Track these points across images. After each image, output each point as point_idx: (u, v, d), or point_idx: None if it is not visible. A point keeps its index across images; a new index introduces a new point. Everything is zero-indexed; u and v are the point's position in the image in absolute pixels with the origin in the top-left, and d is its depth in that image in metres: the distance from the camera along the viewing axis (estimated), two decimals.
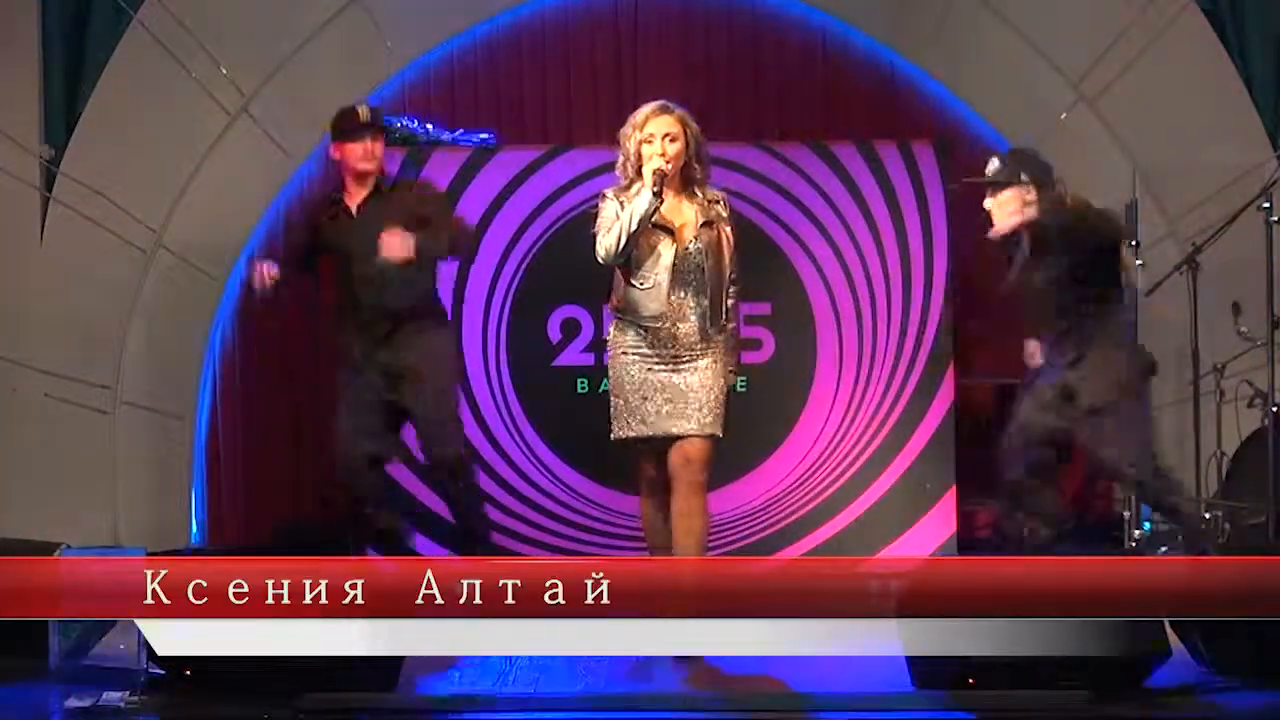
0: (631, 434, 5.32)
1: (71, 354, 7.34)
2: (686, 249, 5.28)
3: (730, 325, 5.40)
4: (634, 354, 5.31)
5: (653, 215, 5.20)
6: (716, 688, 4.95)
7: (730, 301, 5.39)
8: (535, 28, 7.54)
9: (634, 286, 5.30)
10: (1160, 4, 7.34)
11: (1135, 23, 7.32)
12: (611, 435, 5.38)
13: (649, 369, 5.29)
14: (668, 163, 5.23)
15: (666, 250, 5.27)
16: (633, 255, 5.27)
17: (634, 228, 5.20)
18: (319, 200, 6.31)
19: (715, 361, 5.31)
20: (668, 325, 5.27)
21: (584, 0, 7.54)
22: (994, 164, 5.70)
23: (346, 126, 5.92)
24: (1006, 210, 5.62)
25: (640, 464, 5.39)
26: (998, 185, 5.63)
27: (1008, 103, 7.41)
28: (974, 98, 7.44)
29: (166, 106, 7.36)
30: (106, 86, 7.39)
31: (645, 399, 5.29)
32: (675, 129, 5.28)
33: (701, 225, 5.30)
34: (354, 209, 5.94)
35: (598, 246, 5.29)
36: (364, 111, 5.96)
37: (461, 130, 7.14)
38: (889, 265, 6.98)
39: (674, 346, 5.28)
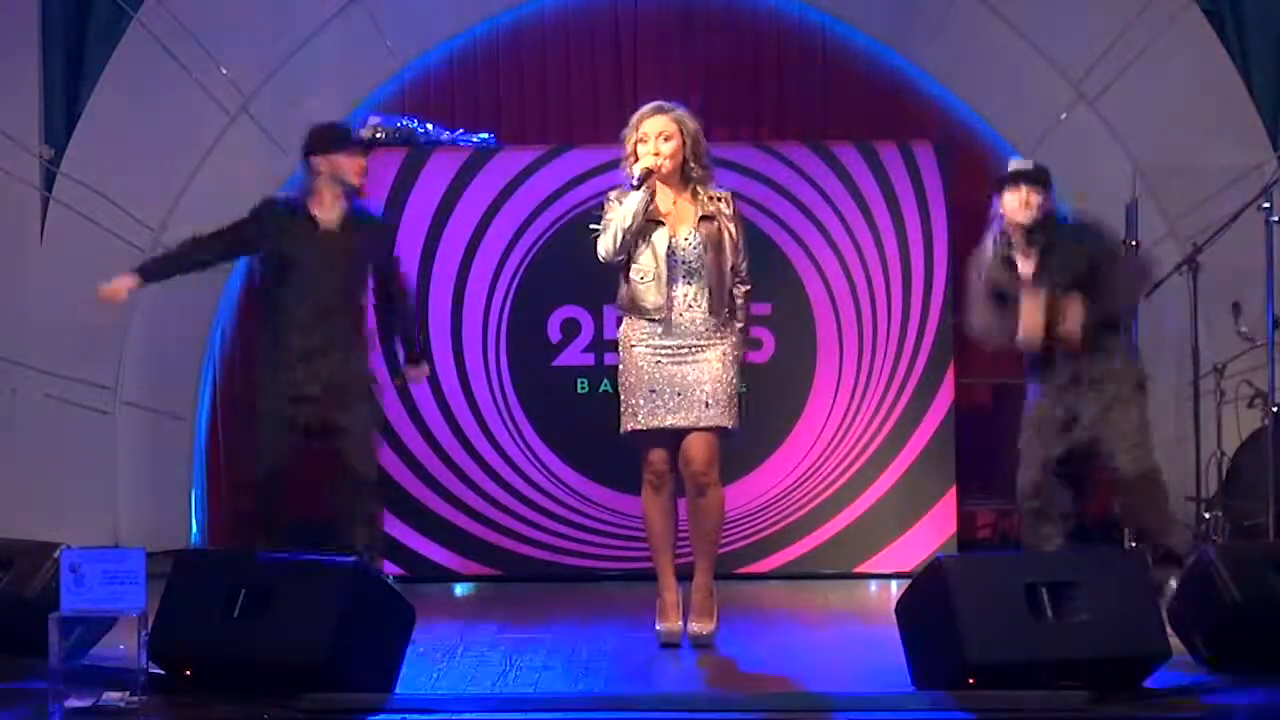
0: (640, 426, 5.36)
1: (71, 354, 7.34)
2: (683, 241, 5.34)
3: (739, 325, 5.44)
4: (642, 347, 5.37)
5: (645, 210, 5.28)
6: (728, 680, 4.97)
7: (739, 300, 5.43)
8: (535, 28, 7.54)
9: (634, 280, 5.37)
10: (1160, 4, 7.34)
11: (1135, 23, 7.32)
12: (620, 429, 5.41)
13: (657, 361, 5.34)
14: (661, 160, 5.28)
15: (660, 243, 5.34)
16: (632, 250, 5.34)
17: (627, 223, 5.28)
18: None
19: (725, 354, 5.36)
20: (668, 316, 5.32)
21: (584, 0, 7.54)
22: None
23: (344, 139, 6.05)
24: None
25: (648, 458, 5.40)
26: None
27: (1008, 103, 7.41)
28: (974, 98, 7.44)
29: (166, 106, 7.36)
30: (106, 86, 7.39)
31: (654, 391, 5.33)
32: (670, 128, 5.35)
33: (700, 219, 5.35)
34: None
35: (598, 246, 5.36)
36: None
37: (461, 130, 7.14)
38: (889, 265, 6.98)
39: (680, 338, 5.33)
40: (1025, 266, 5.74)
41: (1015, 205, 5.75)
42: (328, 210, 5.95)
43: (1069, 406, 5.77)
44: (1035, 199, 5.74)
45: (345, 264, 5.97)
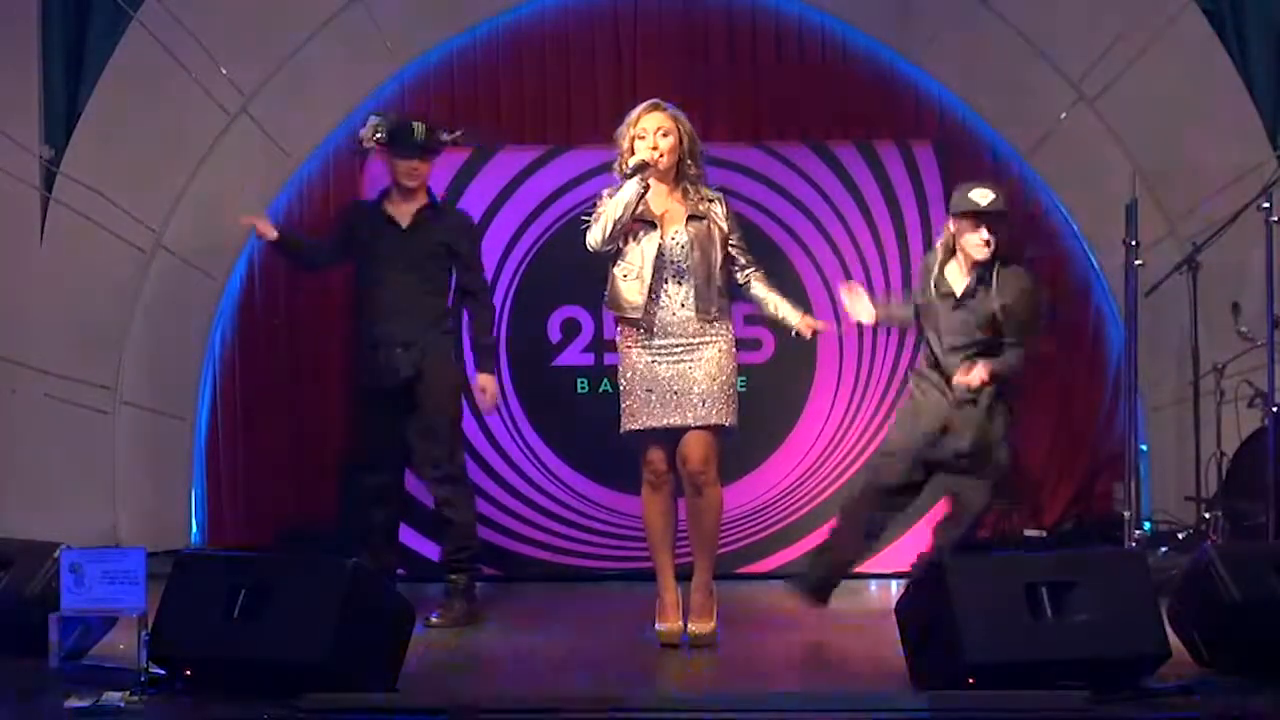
0: (637, 426, 5.36)
1: (71, 354, 7.34)
2: (671, 241, 5.36)
3: (776, 298, 5.48)
4: (639, 348, 5.38)
5: (638, 202, 5.29)
6: (728, 680, 4.97)
7: (757, 281, 5.46)
8: (535, 28, 7.53)
9: (617, 277, 5.39)
10: (1160, 4, 7.34)
11: (1135, 23, 7.32)
12: (621, 429, 5.41)
13: (653, 362, 5.35)
14: (658, 155, 5.31)
15: (650, 243, 5.36)
16: (620, 247, 5.37)
17: (619, 214, 5.30)
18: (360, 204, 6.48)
19: (720, 351, 5.36)
20: (653, 316, 5.34)
21: (584, 0, 7.54)
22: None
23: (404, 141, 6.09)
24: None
25: (647, 458, 5.41)
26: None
27: (1008, 103, 7.40)
28: (974, 98, 7.43)
29: (166, 106, 7.36)
30: (106, 86, 7.39)
31: (650, 391, 5.34)
32: (668, 124, 5.38)
33: (689, 219, 5.36)
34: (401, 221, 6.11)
35: (588, 235, 5.39)
36: (419, 129, 6.13)
37: (461, 130, 7.13)
38: (889, 265, 6.99)
39: (673, 338, 5.33)
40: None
41: (976, 243, 5.71)
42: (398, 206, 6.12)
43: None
44: (991, 236, 5.69)
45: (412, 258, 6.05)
